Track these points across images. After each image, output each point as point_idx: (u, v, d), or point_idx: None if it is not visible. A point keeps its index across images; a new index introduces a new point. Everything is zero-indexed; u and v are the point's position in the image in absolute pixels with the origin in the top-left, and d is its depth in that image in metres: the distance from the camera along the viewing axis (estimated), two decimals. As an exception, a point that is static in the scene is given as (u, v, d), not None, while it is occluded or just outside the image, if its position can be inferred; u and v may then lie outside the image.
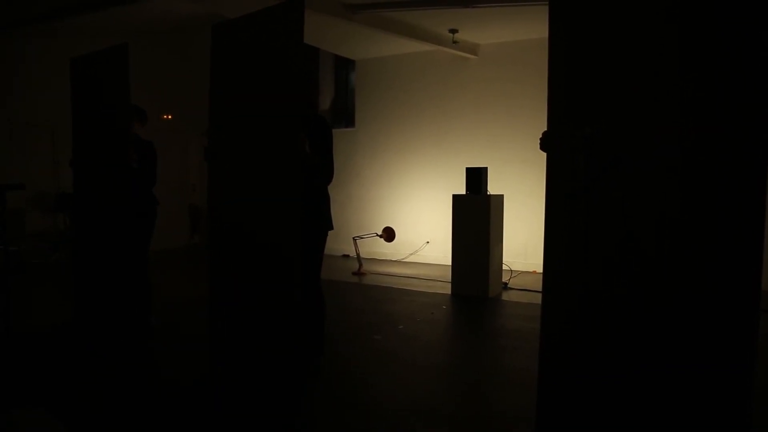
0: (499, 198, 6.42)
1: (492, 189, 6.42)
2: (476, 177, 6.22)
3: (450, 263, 6.38)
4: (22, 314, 4.83)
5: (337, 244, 8.89)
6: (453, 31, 7.44)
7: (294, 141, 2.81)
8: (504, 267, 6.57)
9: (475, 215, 6.15)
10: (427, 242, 8.72)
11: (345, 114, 9.97)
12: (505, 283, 6.57)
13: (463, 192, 6.35)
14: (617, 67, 2.19)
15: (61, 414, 2.90)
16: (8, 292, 3.57)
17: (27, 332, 4.40)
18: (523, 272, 7.49)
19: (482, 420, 3.02)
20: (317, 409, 3.08)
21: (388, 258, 9.05)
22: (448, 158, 8.42)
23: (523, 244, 7.76)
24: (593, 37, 2.25)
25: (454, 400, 3.31)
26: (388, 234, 8.50)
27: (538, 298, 5.91)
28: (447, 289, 6.39)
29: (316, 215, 3.40)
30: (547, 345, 2.43)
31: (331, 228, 3.55)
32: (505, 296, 6.20)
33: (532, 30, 7.20)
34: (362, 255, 8.20)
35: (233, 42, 3.17)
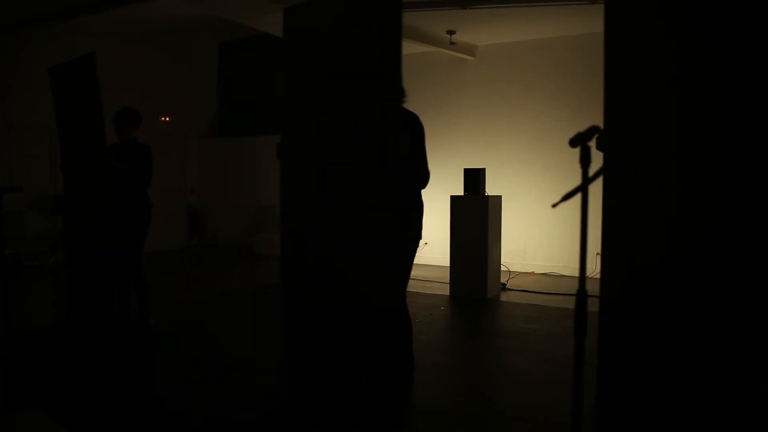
0: (497, 199, 6.42)
1: (490, 190, 6.43)
2: (474, 178, 6.23)
3: (448, 264, 6.38)
4: (20, 316, 4.83)
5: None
6: (451, 32, 7.45)
7: (393, 141, 2.36)
8: (502, 268, 6.57)
9: (474, 216, 6.15)
10: (425, 243, 8.72)
11: (343, 115, 9.96)
12: (504, 284, 6.57)
13: (461, 193, 6.36)
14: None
15: (61, 416, 2.90)
16: (7, 295, 3.56)
17: (26, 334, 4.40)
18: (521, 273, 7.49)
19: (482, 419, 3.03)
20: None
21: (386, 259, 9.03)
22: (446, 159, 8.42)
23: (521, 244, 7.76)
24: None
25: (454, 400, 3.31)
26: (387, 235, 8.49)
27: (536, 299, 5.97)
28: (445, 291, 6.39)
29: (406, 224, 3.03)
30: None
31: (420, 237, 3.17)
32: (504, 297, 6.21)
33: (530, 31, 7.21)
34: (361, 256, 8.18)
35: (310, 27, 2.73)
